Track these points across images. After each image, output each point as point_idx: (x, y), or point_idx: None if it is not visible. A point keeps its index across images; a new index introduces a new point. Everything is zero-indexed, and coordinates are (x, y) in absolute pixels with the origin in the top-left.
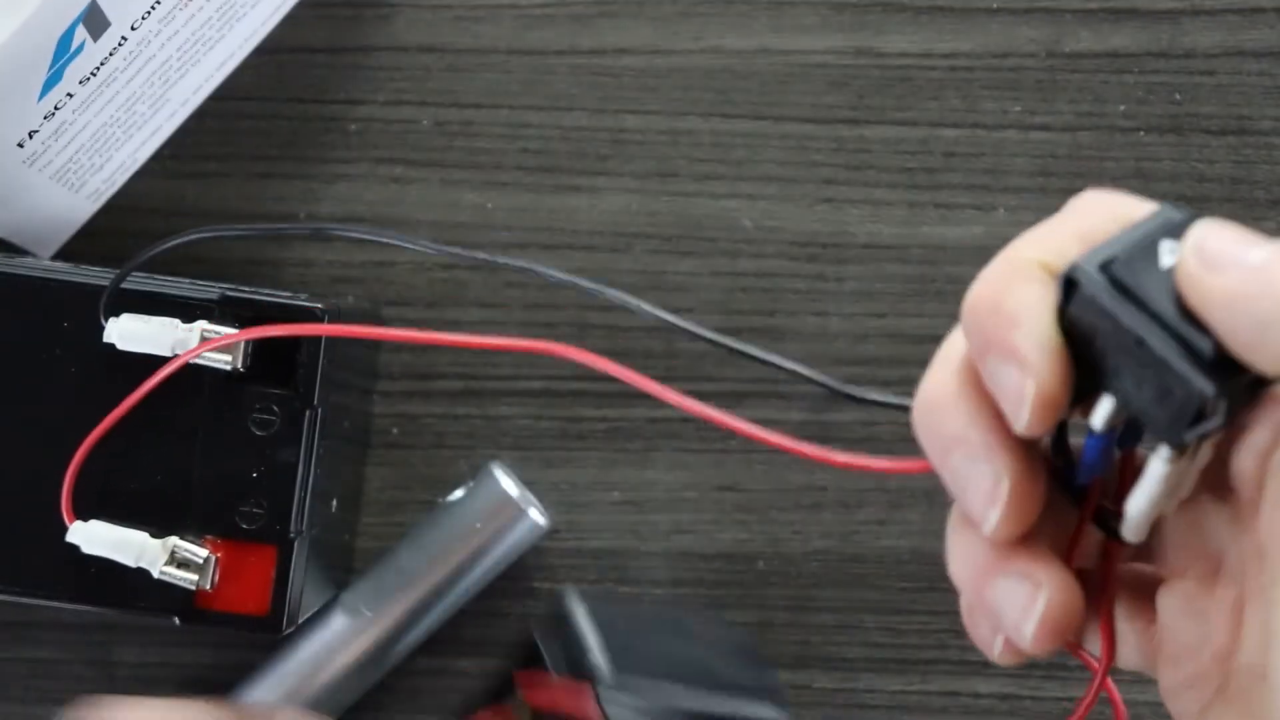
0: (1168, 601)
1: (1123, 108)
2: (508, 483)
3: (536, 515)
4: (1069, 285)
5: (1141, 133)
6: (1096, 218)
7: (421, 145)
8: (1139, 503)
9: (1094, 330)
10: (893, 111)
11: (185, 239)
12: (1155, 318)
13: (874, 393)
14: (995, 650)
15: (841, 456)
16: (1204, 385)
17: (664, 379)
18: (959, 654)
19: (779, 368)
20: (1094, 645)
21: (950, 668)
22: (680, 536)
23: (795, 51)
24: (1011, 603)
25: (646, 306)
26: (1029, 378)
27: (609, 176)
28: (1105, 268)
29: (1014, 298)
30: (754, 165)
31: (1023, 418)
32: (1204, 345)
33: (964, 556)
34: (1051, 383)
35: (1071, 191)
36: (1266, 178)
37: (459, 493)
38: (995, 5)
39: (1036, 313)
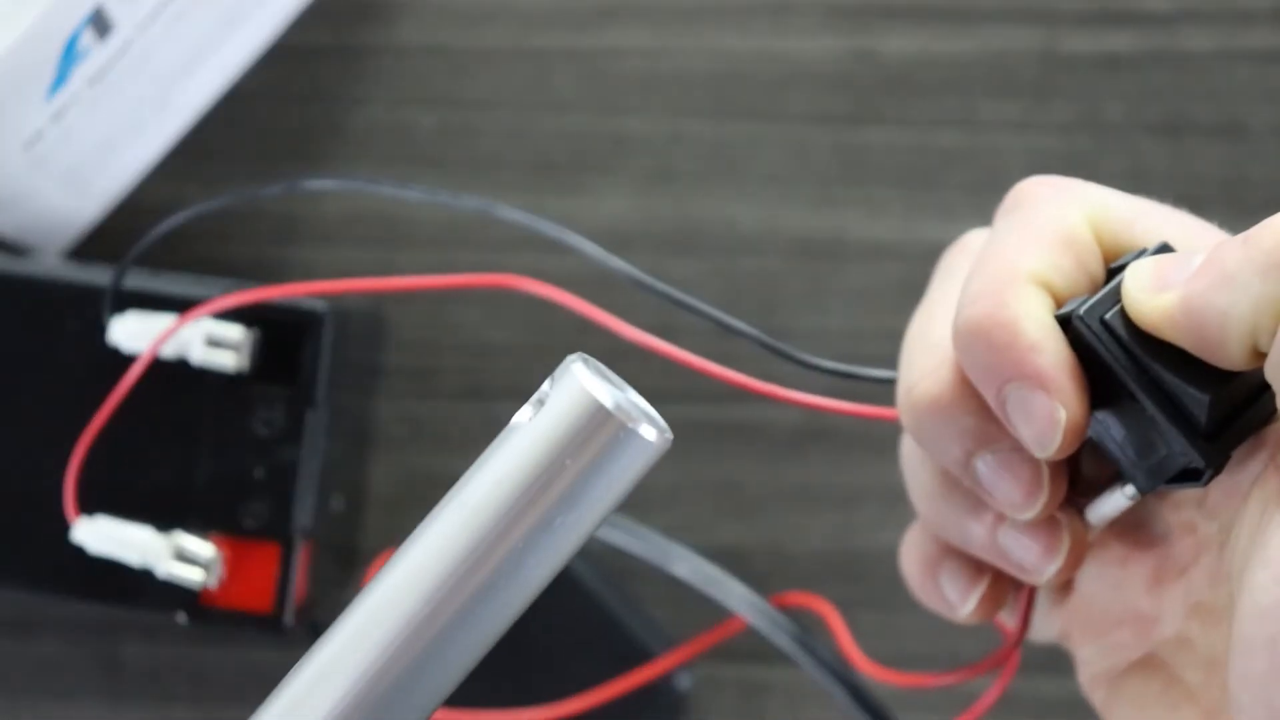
0: (1087, 568)
1: (1119, 110)
2: (598, 386)
3: (648, 429)
4: (1064, 323)
5: (1137, 135)
6: (1067, 217)
7: (423, 146)
8: (1098, 516)
9: (1085, 359)
10: (892, 112)
11: (171, 222)
12: (1148, 373)
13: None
14: (968, 607)
15: (805, 396)
16: (1195, 458)
17: (664, 377)
18: (959, 654)
19: (773, 349)
20: (1009, 617)
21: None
22: (680, 536)
23: (795, 52)
24: (1027, 545)
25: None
26: (1059, 404)
27: (609, 177)
28: (1099, 313)
29: (1030, 320)
30: (754, 166)
31: (1055, 443)
32: (1198, 411)
33: (969, 508)
34: (1080, 408)
35: None
36: (1261, 179)
37: (526, 413)
38: (993, 7)
39: (1054, 334)
